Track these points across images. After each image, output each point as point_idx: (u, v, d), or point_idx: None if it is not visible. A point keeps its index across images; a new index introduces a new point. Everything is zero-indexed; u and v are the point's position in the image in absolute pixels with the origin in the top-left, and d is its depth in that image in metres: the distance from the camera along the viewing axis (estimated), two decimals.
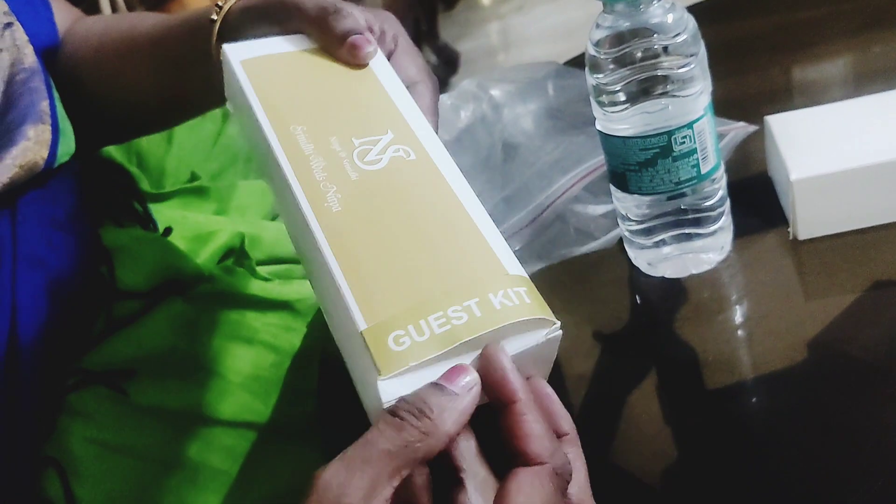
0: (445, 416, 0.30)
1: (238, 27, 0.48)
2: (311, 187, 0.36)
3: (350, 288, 0.32)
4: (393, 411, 0.30)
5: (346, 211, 0.35)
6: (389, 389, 0.30)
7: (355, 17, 0.43)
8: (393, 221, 0.35)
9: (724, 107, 0.69)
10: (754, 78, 0.74)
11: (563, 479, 0.31)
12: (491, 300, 0.32)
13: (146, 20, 0.60)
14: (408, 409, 0.30)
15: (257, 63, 0.43)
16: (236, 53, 0.43)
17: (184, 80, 0.55)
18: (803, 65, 0.73)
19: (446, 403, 0.30)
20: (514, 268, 0.33)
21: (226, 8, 0.49)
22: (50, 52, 0.61)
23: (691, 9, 0.86)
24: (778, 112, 0.56)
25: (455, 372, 0.31)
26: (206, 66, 0.50)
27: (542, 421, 0.31)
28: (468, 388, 0.30)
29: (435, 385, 0.30)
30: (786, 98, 0.69)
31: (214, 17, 0.49)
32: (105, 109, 0.62)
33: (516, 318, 0.31)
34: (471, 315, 0.31)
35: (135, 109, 0.61)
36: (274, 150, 0.38)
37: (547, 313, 0.32)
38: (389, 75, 0.42)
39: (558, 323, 0.32)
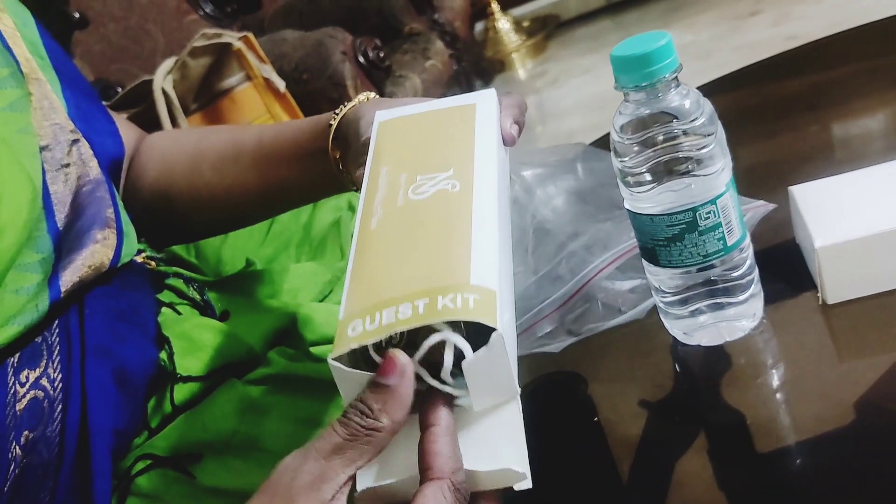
0: (388, 407, 0.36)
1: (346, 134, 0.58)
2: (367, 210, 0.43)
3: (349, 288, 0.39)
4: (344, 413, 0.36)
5: (378, 229, 0.42)
6: (335, 366, 0.37)
7: None
8: (405, 238, 0.40)
9: (764, 169, 0.72)
10: (791, 138, 0.76)
11: (462, 494, 0.35)
12: (438, 301, 0.35)
13: (249, 128, 0.69)
14: (354, 410, 0.36)
15: (391, 122, 0.51)
16: (382, 116, 0.52)
17: (292, 176, 0.64)
18: (841, 122, 0.75)
19: (385, 397, 0.36)
20: (482, 279, 0.36)
21: (341, 115, 0.59)
22: (116, 163, 0.67)
23: (729, 76, 0.90)
24: (817, 172, 0.58)
25: (387, 365, 0.36)
26: (319, 162, 0.60)
27: (452, 446, 0.36)
28: (400, 375, 0.36)
29: (373, 384, 0.36)
30: (826, 156, 0.71)
31: (332, 122, 0.59)
32: (198, 210, 0.70)
33: (449, 317, 0.35)
34: (414, 311, 0.35)
35: (234, 206, 0.69)
36: (362, 184, 0.46)
37: (487, 318, 0.35)
38: (488, 123, 0.48)
39: (498, 329, 0.35)
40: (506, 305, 0.38)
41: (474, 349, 0.36)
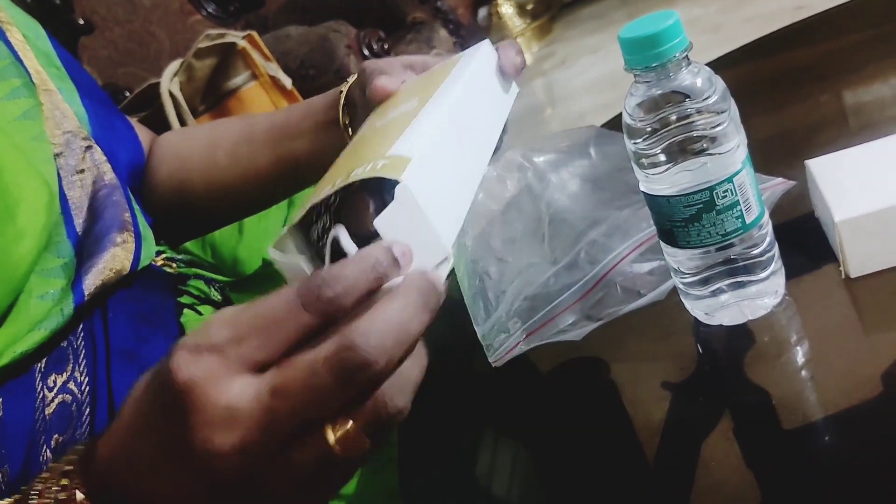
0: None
1: (353, 97, 0.62)
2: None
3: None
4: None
5: (340, 156, 0.47)
6: (273, 256, 0.40)
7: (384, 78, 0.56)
8: (355, 150, 0.45)
9: (778, 142, 0.71)
10: (804, 109, 0.75)
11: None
12: (351, 173, 0.38)
13: (258, 114, 0.71)
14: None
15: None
16: None
17: (305, 152, 0.67)
18: (854, 90, 0.75)
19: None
20: (399, 151, 0.39)
21: (351, 81, 0.62)
22: (138, 168, 0.68)
23: (738, 50, 0.90)
24: (832, 142, 0.57)
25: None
26: (330, 133, 0.64)
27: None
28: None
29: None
30: (840, 126, 0.71)
31: (342, 89, 0.63)
32: (215, 198, 0.72)
33: (353, 179, 0.38)
34: (332, 189, 0.38)
35: (250, 190, 0.71)
36: None
37: (392, 174, 0.37)
38: (469, 65, 0.52)
39: (401, 181, 0.36)
40: (431, 172, 0.39)
41: None
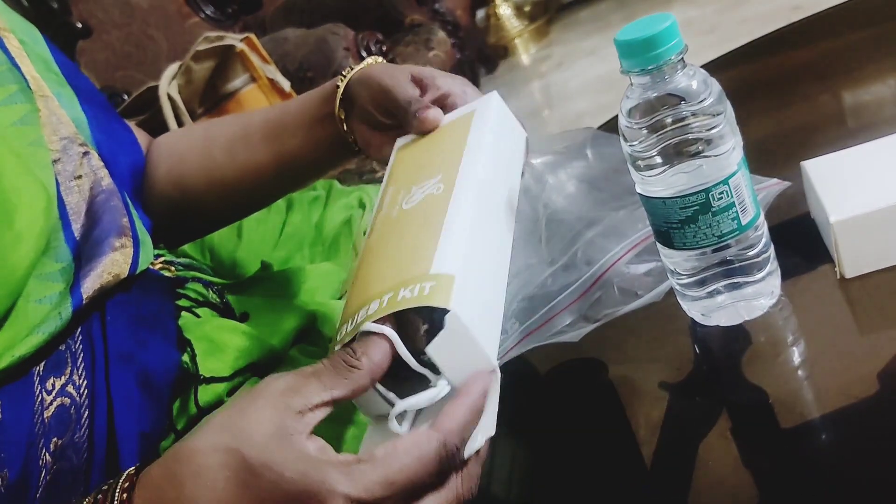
0: (367, 349, 0.38)
1: (353, 94, 0.62)
2: (370, 229, 0.49)
3: (345, 301, 0.44)
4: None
5: (372, 243, 0.47)
6: None
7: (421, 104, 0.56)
8: (389, 244, 0.45)
9: (775, 143, 0.71)
10: (801, 110, 0.76)
11: (451, 459, 0.38)
12: (399, 293, 0.39)
13: (255, 111, 0.71)
14: (341, 351, 0.39)
15: (404, 146, 0.57)
16: (400, 142, 0.58)
17: (302, 146, 0.67)
18: (851, 91, 0.75)
19: (367, 342, 0.39)
20: (442, 268, 0.40)
21: (348, 77, 0.62)
22: (138, 171, 0.68)
23: (735, 51, 0.90)
24: (828, 143, 0.57)
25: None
26: (327, 127, 0.64)
27: (466, 415, 0.39)
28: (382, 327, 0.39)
29: (362, 334, 0.40)
30: (836, 127, 0.71)
31: (339, 83, 0.62)
32: (212, 195, 0.72)
33: (407, 305, 0.38)
34: (380, 305, 0.39)
35: (247, 186, 0.71)
36: (374, 209, 0.52)
37: (439, 301, 0.38)
38: (484, 125, 0.52)
39: (450, 309, 0.38)
40: (474, 286, 0.41)
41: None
